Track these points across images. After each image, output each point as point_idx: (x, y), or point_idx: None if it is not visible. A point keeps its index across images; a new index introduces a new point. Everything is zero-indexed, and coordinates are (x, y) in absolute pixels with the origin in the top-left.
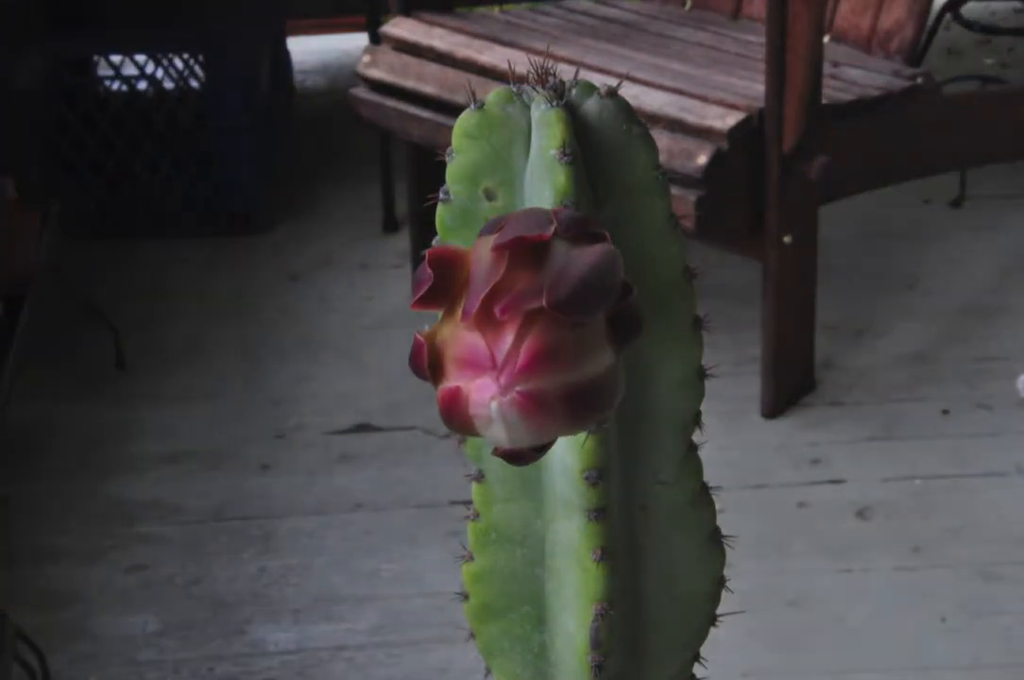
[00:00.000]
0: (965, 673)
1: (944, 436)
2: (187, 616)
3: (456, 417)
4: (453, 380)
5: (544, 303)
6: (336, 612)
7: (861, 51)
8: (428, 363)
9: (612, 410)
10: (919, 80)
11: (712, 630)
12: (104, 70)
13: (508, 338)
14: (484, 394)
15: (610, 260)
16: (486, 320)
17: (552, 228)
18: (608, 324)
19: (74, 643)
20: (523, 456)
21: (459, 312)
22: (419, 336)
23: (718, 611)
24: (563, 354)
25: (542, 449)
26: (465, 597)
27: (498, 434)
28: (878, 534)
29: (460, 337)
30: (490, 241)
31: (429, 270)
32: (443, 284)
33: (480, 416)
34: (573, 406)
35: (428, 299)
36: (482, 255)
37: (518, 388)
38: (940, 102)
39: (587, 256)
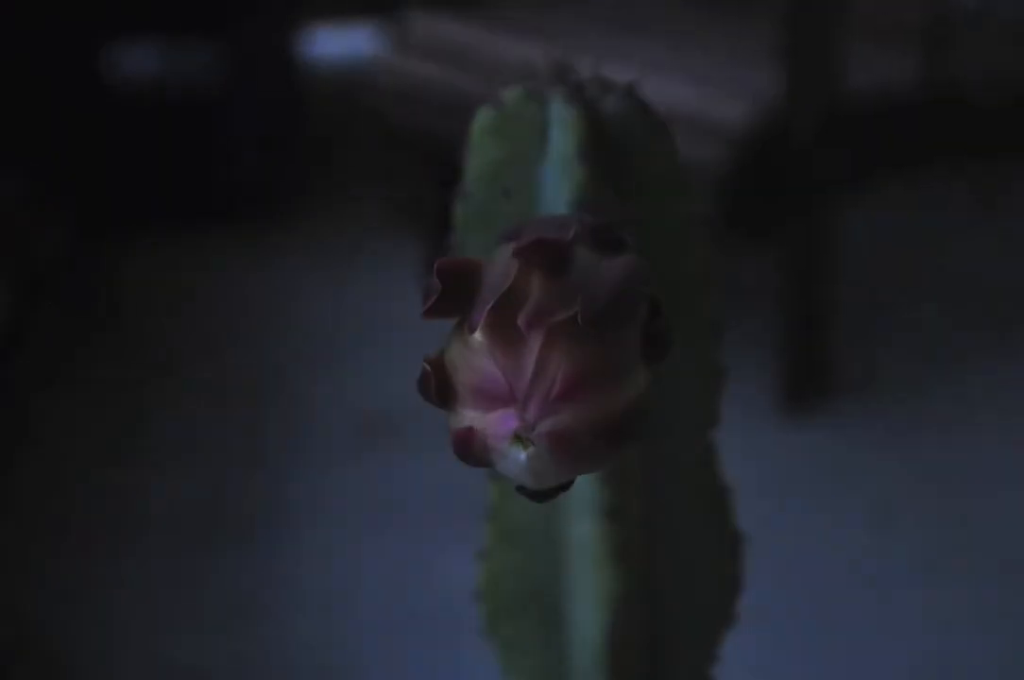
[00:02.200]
0: (966, 673)
1: (950, 435)
2: (190, 614)
3: (472, 454)
4: (468, 408)
5: (579, 315)
6: (336, 612)
7: (867, 48)
8: (437, 391)
9: (642, 435)
10: (919, 80)
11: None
12: (105, 69)
13: (528, 360)
14: (505, 427)
15: (640, 270)
16: (499, 335)
17: (573, 231)
18: (642, 340)
19: (74, 643)
20: (547, 495)
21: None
22: (426, 363)
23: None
24: (600, 377)
25: (568, 485)
26: (480, 596)
27: (521, 474)
28: (878, 534)
29: (471, 361)
30: (509, 249)
31: (438, 282)
32: (455, 295)
33: (499, 450)
34: (608, 439)
35: (439, 310)
36: (499, 263)
37: (545, 426)
38: (940, 102)
39: (616, 265)
